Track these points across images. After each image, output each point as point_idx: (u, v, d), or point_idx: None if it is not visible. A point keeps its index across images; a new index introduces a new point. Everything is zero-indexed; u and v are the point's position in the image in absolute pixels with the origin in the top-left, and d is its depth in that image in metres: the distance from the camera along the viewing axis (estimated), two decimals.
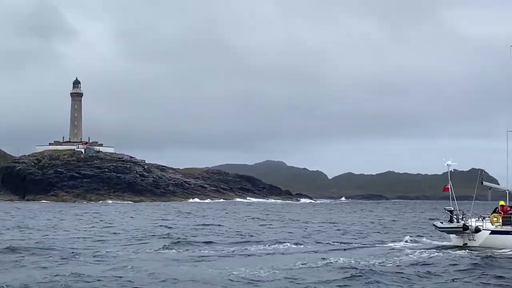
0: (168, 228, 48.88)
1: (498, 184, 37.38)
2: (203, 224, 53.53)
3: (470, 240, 31.67)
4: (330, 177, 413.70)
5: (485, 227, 31.67)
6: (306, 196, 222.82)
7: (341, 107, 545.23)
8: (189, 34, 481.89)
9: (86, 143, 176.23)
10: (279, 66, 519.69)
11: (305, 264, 25.47)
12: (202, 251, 31.01)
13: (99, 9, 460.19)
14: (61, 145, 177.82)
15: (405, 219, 74.38)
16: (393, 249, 32.43)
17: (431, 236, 39.39)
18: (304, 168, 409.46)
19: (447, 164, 33.20)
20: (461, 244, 31.98)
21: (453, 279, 22.02)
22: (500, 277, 22.43)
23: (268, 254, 30.35)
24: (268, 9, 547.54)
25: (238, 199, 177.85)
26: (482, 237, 31.43)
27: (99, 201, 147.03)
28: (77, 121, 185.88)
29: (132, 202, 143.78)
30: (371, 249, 32.79)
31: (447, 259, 27.29)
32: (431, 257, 27.79)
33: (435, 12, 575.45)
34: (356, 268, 23.79)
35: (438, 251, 30.73)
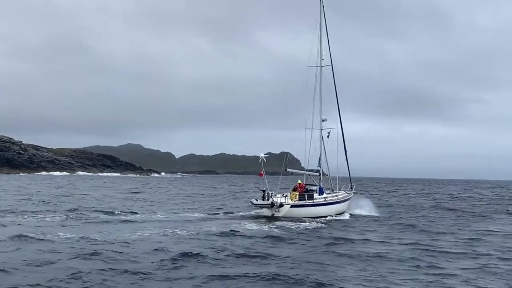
0: None
1: (299, 167, 37.28)
2: None
3: (276, 212, 31.60)
4: (177, 157, 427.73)
5: (286, 202, 32.10)
6: (155, 171, 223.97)
7: (182, 104, 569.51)
8: (55, 40, 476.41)
9: None
10: (131, 69, 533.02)
11: None
12: None
13: None
14: None
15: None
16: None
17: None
18: (157, 150, 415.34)
19: (261, 156, 32.35)
20: (270, 214, 31.79)
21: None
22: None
23: None
24: (119, 24, 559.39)
25: (101, 174, 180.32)
26: (285, 210, 31.62)
27: None
28: None
29: (6, 174, 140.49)
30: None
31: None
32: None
33: (251, 33, 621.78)
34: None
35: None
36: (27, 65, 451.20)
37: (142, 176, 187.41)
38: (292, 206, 32.06)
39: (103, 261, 15.65)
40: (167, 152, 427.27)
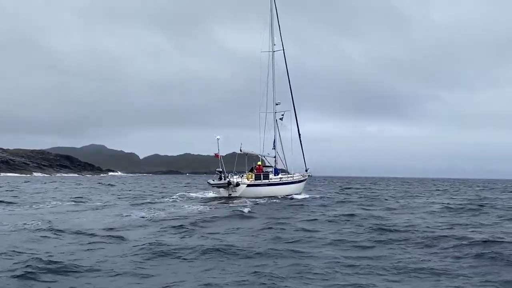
0: None
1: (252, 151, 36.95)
2: None
3: (233, 191, 31.71)
4: (141, 157, 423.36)
5: (243, 182, 32.46)
6: (113, 171, 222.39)
7: (142, 102, 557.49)
8: (4, 36, 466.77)
9: None
10: (85, 65, 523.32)
11: None
12: None
13: None
14: None
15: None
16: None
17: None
18: (121, 150, 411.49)
19: (217, 138, 32.07)
20: (226, 195, 31.85)
21: None
22: None
23: None
24: (70, 19, 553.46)
25: (57, 175, 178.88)
26: (241, 189, 31.86)
27: None
28: None
29: None
30: None
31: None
32: None
33: (208, 29, 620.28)
34: None
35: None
36: None
37: (97, 175, 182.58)
38: (248, 185, 32.37)
39: None
40: (131, 152, 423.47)
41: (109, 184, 66.56)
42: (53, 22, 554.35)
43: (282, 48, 37.87)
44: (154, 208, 23.60)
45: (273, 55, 37.67)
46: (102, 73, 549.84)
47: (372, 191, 52.49)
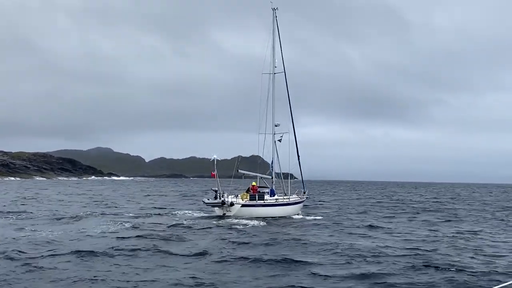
0: None
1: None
2: None
3: (227, 211, 32.28)
4: (147, 161, 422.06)
5: (237, 202, 32.76)
6: (115, 175, 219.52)
7: (146, 105, 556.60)
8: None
9: None
10: (83, 68, 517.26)
11: None
12: None
13: None
14: None
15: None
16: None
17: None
18: (127, 153, 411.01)
19: (213, 158, 32.67)
20: (221, 214, 32.48)
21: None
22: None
23: None
24: (66, 21, 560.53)
25: (59, 178, 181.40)
26: (235, 209, 32.33)
27: None
28: None
29: None
30: None
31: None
32: None
33: (206, 33, 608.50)
34: None
35: None
36: None
37: (96, 179, 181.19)
38: (242, 205, 32.77)
39: None
40: (137, 156, 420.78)
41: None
42: (50, 24, 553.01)
43: (283, 70, 37.95)
44: None
45: (273, 77, 37.99)
46: (99, 76, 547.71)
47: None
